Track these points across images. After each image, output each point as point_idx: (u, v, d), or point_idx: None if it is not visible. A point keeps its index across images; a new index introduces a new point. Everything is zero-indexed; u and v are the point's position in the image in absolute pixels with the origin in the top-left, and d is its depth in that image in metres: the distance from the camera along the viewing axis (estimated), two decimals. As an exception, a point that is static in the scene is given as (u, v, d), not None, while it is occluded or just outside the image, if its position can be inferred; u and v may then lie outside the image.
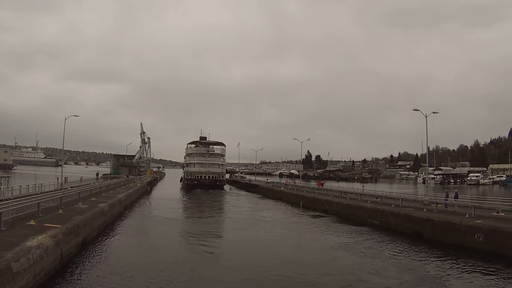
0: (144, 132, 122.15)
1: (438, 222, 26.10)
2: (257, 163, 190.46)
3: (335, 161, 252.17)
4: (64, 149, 61.88)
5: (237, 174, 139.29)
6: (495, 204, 28.88)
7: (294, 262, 20.14)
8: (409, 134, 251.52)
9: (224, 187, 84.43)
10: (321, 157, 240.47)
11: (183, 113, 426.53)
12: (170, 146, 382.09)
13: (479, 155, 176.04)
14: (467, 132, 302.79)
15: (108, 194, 39.12)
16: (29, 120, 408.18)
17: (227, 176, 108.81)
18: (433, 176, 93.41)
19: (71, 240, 18.63)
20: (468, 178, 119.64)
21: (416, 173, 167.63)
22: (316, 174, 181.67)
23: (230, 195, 71.35)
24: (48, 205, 24.69)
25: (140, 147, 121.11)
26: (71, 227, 19.25)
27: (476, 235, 22.62)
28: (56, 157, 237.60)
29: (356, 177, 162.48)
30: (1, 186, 30.66)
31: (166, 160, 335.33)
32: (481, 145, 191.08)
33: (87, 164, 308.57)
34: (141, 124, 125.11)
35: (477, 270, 18.37)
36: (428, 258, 21.11)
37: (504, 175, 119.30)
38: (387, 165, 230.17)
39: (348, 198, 43.95)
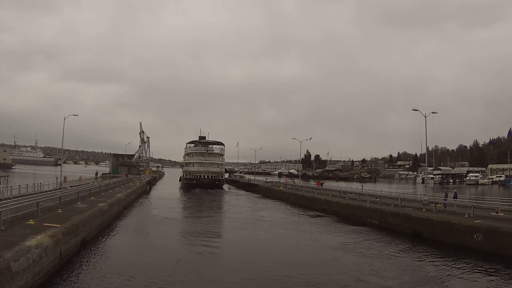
0: (143, 132, 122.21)
1: (437, 222, 26.12)
2: (256, 162, 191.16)
3: (334, 160, 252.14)
4: (63, 148, 61.84)
5: (236, 174, 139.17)
6: (494, 204, 28.89)
7: (293, 262, 20.15)
8: (408, 134, 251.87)
9: (223, 186, 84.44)
10: (320, 156, 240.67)
11: (182, 112, 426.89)
12: (169, 145, 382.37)
13: (478, 155, 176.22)
14: (466, 132, 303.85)
15: (107, 194, 39.09)
16: (28, 119, 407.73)
17: (226, 175, 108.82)
18: (432, 176, 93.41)
19: (70, 240, 18.61)
20: (467, 178, 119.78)
21: (415, 173, 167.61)
22: (315, 174, 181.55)
23: (229, 194, 71.36)
24: (47, 205, 24.67)
25: (139, 146, 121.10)
26: (70, 226, 19.24)
27: (475, 235, 22.64)
28: (55, 156, 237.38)
29: (355, 177, 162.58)
30: (0, 186, 30.63)
31: (165, 160, 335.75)
32: (480, 145, 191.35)
33: (86, 163, 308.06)
34: (140, 123, 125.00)
35: (476, 270, 18.40)
36: (427, 258, 21.13)
37: (503, 175, 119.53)
38: (386, 165, 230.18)
39: (347, 198, 43.99)
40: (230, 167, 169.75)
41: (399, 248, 23.66)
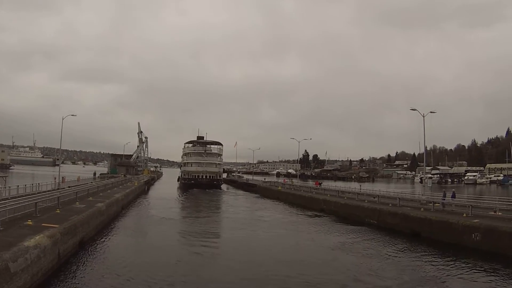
0: (141, 132, 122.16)
1: (436, 222, 26.16)
2: (255, 162, 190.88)
3: (332, 160, 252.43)
4: (61, 148, 61.70)
5: (234, 174, 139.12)
6: (492, 203, 28.93)
7: (292, 262, 20.15)
8: (406, 133, 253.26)
9: (222, 186, 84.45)
10: (319, 156, 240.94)
11: (181, 112, 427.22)
12: (167, 145, 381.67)
13: (476, 154, 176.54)
14: (464, 131, 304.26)
15: (106, 194, 39.03)
16: (27, 119, 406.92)
17: (225, 175, 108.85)
18: (430, 175, 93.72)
19: (69, 240, 18.57)
20: (466, 177, 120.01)
21: (414, 172, 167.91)
22: (313, 174, 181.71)
23: (228, 194, 71.31)
24: (45, 205, 24.62)
25: (138, 146, 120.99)
26: (69, 227, 19.21)
27: (473, 235, 22.69)
28: (54, 156, 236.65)
29: (353, 177, 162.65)
30: (-1, 186, 30.56)
31: (163, 160, 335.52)
32: (478, 145, 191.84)
33: (84, 163, 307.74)
34: (139, 123, 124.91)
35: (475, 270, 18.42)
36: (426, 258, 21.14)
37: (501, 175, 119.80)
38: (385, 165, 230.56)
39: (345, 198, 44.02)
40: (228, 167, 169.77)
41: (397, 248, 23.68)
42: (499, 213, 26.31)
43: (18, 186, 31.63)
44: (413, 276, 17.61)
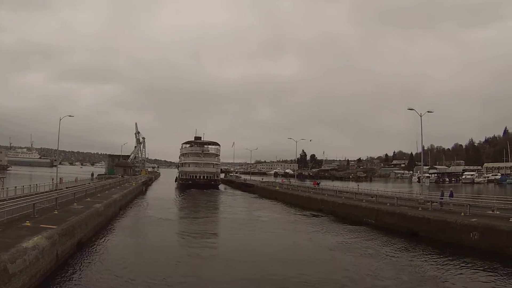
0: (139, 132, 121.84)
1: (433, 221, 26.20)
2: (252, 162, 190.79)
3: (330, 160, 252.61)
4: (59, 149, 61.50)
5: (232, 174, 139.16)
6: (490, 202, 29.02)
7: (291, 262, 20.15)
8: (404, 133, 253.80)
9: (219, 186, 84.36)
10: (316, 156, 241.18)
11: (178, 113, 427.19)
12: (165, 146, 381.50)
13: (474, 153, 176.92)
14: (462, 131, 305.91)
15: (103, 195, 38.95)
16: (24, 120, 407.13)
17: (222, 175, 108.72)
18: (428, 175, 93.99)
19: (67, 241, 18.54)
20: (463, 176, 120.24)
21: (411, 172, 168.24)
22: (311, 173, 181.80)
23: (225, 194, 71.26)
24: (43, 206, 24.55)
25: (135, 147, 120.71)
26: (67, 228, 19.16)
27: (471, 234, 22.75)
28: (51, 157, 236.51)
29: (351, 176, 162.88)
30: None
31: (161, 160, 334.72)
32: (476, 144, 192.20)
33: (81, 164, 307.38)
34: (136, 124, 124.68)
35: (473, 269, 18.47)
36: (424, 257, 21.18)
37: (499, 174, 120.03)
38: (382, 164, 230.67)
39: (343, 197, 44.07)
40: (226, 167, 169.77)
41: (395, 247, 23.71)
42: (497, 212, 26.38)
43: (15, 187, 31.50)
44: (411, 275, 17.64)
